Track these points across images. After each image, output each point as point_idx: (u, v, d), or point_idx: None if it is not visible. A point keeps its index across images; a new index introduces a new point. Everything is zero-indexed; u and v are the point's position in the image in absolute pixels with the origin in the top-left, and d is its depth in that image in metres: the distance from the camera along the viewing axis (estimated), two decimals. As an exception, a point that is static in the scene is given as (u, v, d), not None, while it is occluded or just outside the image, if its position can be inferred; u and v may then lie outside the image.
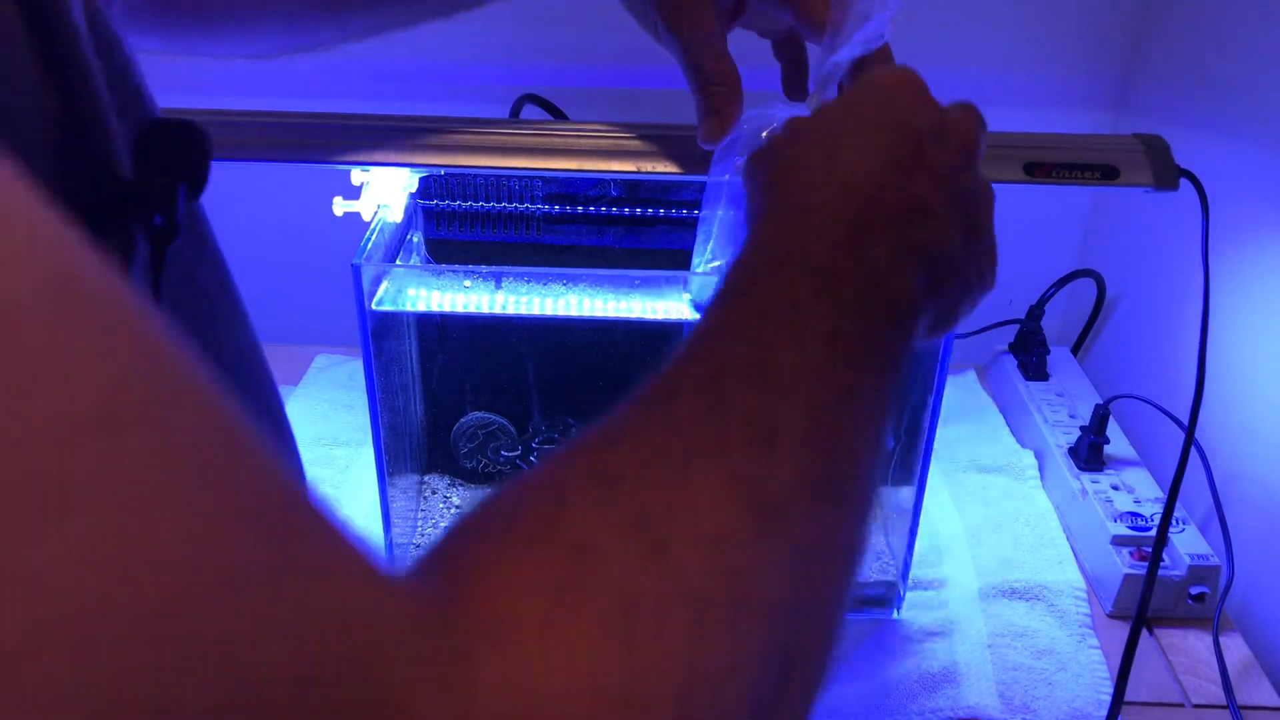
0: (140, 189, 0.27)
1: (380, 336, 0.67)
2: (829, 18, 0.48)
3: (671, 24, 0.49)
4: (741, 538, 0.25)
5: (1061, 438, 0.88)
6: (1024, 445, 0.93)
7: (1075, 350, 1.04)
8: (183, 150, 0.28)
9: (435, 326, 0.79)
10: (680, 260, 0.66)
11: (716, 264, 0.52)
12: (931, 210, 0.36)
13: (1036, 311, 0.98)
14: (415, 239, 0.75)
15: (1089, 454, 0.83)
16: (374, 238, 0.64)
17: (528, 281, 0.65)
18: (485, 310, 0.66)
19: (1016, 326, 0.99)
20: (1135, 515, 0.78)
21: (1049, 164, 0.56)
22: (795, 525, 0.27)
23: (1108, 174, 0.57)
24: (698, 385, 0.28)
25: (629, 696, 0.21)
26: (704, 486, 0.25)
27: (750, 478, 0.26)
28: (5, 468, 0.14)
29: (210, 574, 0.16)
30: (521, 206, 0.75)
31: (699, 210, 0.53)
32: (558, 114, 0.88)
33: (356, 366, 1.01)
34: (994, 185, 0.41)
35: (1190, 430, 0.64)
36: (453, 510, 0.82)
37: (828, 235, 0.33)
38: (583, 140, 0.58)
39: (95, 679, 0.14)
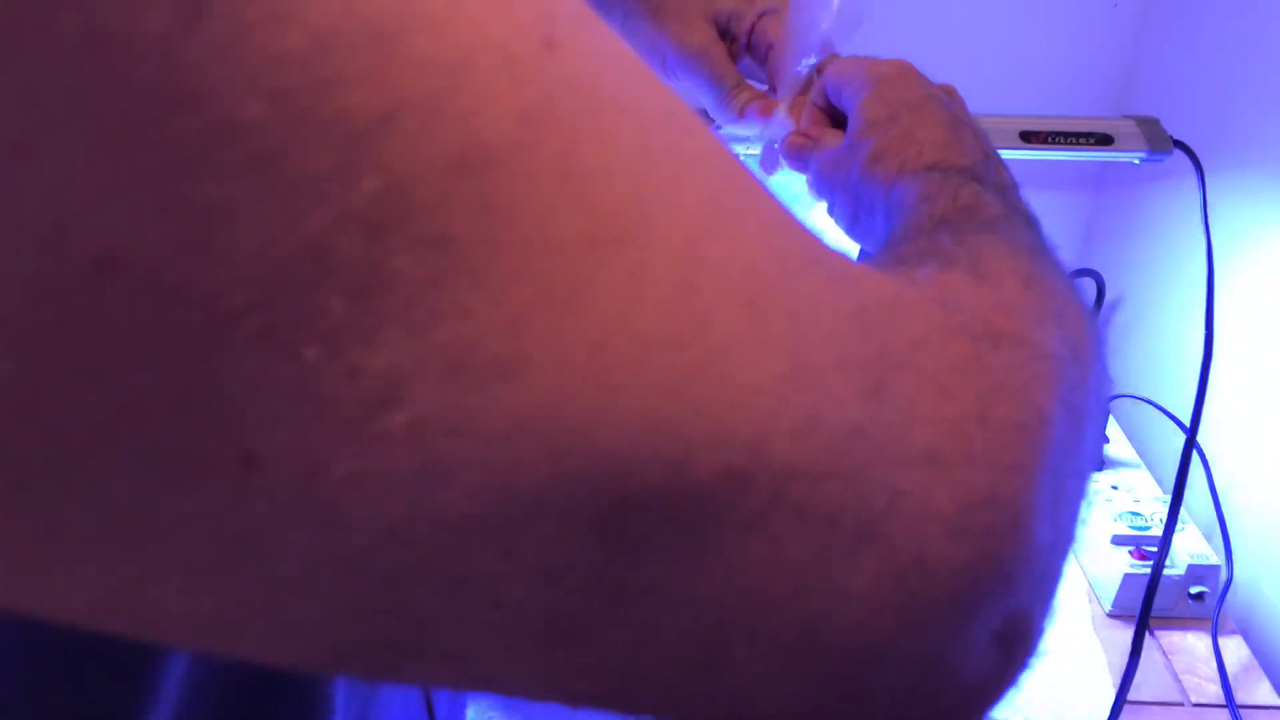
0: None
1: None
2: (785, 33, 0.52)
3: (681, 47, 0.52)
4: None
5: (1061, 437, 0.88)
6: (1024, 445, 0.93)
7: (1075, 350, 1.04)
8: None
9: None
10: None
11: None
12: (980, 155, 0.43)
13: (1036, 311, 0.97)
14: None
15: (1089, 454, 0.83)
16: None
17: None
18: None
19: (1016, 326, 0.99)
20: (1135, 515, 0.78)
21: (1044, 131, 0.57)
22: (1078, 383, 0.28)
23: (1102, 140, 0.58)
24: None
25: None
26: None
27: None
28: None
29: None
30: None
31: None
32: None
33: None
34: None
35: (1194, 428, 0.64)
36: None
37: (951, 185, 0.39)
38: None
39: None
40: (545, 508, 0.15)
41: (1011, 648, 0.22)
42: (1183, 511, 0.78)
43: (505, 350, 0.14)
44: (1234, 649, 0.73)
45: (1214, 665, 0.71)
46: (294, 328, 0.13)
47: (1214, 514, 0.77)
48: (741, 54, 0.55)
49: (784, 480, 0.16)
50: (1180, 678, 0.71)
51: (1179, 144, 0.59)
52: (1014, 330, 0.24)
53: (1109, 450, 0.84)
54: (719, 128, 0.55)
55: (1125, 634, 0.66)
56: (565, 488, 0.15)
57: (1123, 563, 0.74)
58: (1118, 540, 0.76)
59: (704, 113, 0.57)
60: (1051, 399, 0.23)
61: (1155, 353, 0.94)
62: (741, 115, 0.53)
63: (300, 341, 0.13)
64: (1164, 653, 0.73)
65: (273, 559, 0.14)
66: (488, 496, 0.14)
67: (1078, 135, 0.58)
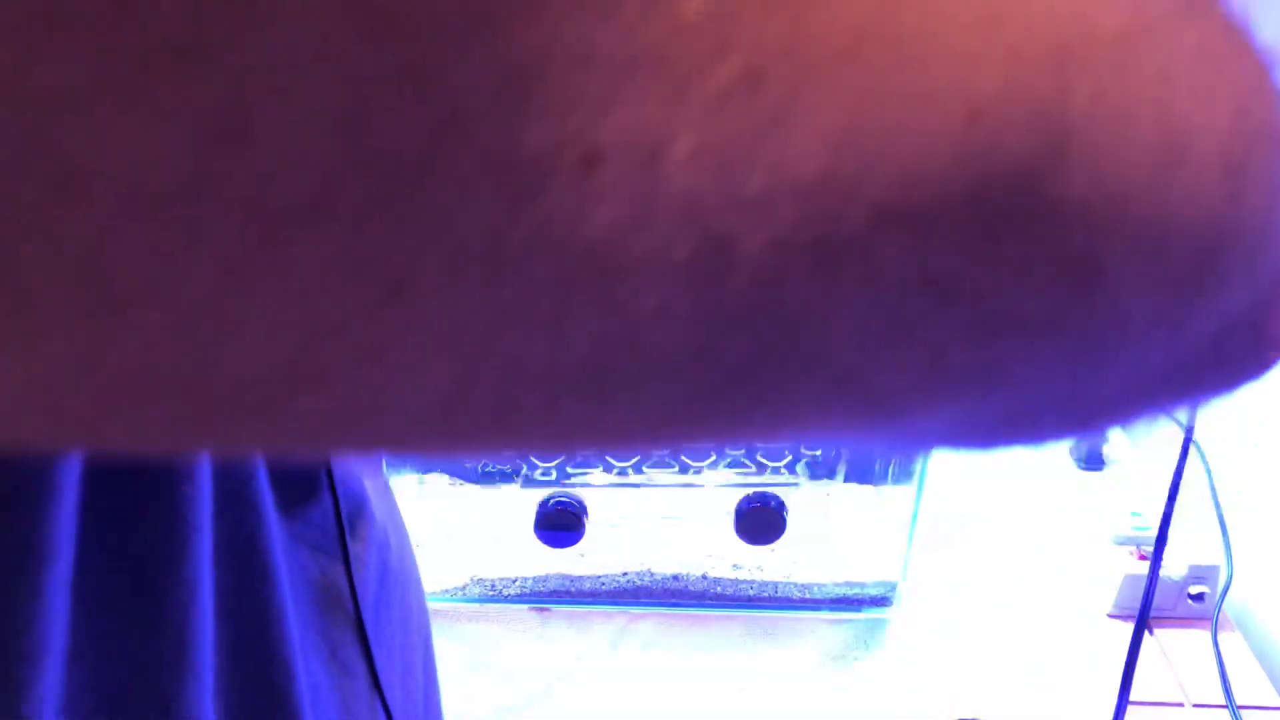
0: None
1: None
2: None
3: None
4: None
5: (1061, 437, 0.88)
6: (1024, 445, 0.93)
7: (1075, 350, 1.04)
8: None
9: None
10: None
11: None
12: None
13: (1036, 311, 0.98)
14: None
15: (1089, 453, 0.84)
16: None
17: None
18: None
19: (1016, 326, 0.99)
20: (1136, 515, 0.78)
21: None
22: None
23: None
24: None
25: None
26: None
27: None
28: None
29: None
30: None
31: None
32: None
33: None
34: None
35: (1192, 427, 0.64)
36: (453, 510, 0.82)
37: None
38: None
39: None
40: (925, 165, 0.12)
41: None
42: (1183, 511, 0.78)
43: None
44: (1234, 649, 0.73)
45: (1214, 665, 0.71)
46: None
47: (1214, 514, 0.78)
48: None
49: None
50: (1180, 678, 0.71)
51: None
52: None
53: (1109, 450, 0.85)
54: None
55: (1125, 634, 0.66)
56: (937, 133, 0.12)
57: (1123, 563, 0.75)
58: (1118, 540, 0.76)
59: None
60: None
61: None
62: None
63: None
64: (1164, 653, 0.73)
65: (625, 279, 0.12)
66: (848, 148, 0.12)
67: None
